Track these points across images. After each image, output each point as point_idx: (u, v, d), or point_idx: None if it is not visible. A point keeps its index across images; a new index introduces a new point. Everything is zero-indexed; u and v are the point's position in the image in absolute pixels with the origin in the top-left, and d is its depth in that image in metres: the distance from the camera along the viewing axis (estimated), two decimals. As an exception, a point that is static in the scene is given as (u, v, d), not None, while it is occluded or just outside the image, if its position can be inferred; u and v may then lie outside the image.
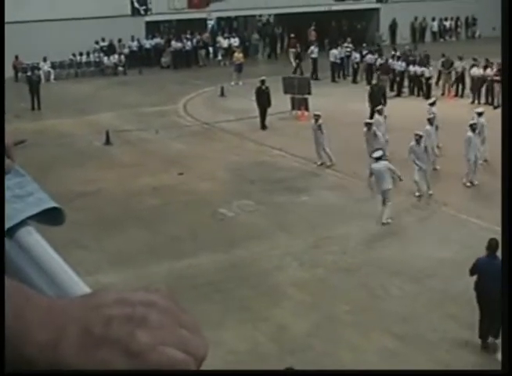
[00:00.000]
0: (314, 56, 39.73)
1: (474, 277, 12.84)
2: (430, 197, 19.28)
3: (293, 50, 44.98)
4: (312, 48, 40.61)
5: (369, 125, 21.64)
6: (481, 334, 12.73)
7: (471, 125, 21.01)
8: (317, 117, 22.15)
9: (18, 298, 0.90)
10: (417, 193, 19.49)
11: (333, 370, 11.23)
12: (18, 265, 1.02)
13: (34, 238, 1.05)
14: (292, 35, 47.08)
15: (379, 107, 23.97)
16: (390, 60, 35.66)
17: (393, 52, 36.85)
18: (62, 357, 0.86)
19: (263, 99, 28.15)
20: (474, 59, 32.61)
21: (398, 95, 33.46)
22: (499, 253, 12.39)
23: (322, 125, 21.83)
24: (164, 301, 0.91)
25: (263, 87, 28.54)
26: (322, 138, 21.84)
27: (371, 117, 27.30)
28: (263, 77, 29.17)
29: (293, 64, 42.18)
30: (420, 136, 19.65)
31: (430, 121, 21.83)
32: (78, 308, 0.89)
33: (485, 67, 31.98)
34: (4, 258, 1.01)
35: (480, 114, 22.41)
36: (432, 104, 24.24)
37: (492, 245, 12.66)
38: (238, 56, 39.22)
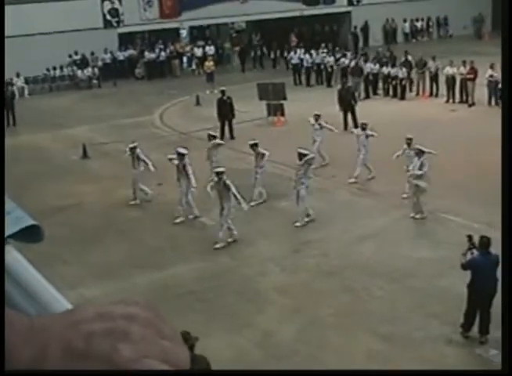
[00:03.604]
0: (294, 61, 39.81)
1: (463, 276, 12.93)
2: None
3: (236, 48, 45.97)
4: (292, 53, 40.74)
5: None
6: (465, 328, 12.93)
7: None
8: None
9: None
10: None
11: (333, 370, 11.25)
12: None
13: (13, 256, 1.05)
14: (234, 35, 48.11)
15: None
16: (361, 62, 35.83)
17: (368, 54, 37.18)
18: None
19: (225, 110, 27.65)
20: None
21: (367, 97, 33.48)
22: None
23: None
24: (145, 313, 0.92)
25: (224, 97, 28.02)
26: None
27: (344, 120, 27.44)
28: (223, 88, 28.94)
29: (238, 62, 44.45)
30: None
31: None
32: (59, 325, 0.89)
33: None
34: (4, 259, 1.02)
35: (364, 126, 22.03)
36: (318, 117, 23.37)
37: (484, 243, 12.74)
38: (208, 64, 39.22)
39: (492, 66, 30.41)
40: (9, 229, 1.05)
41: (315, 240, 17.54)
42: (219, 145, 21.95)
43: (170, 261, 16.78)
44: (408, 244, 16.85)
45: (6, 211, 1.07)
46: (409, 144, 19.42)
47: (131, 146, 20.99)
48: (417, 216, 18.38)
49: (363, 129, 21.27)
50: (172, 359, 0.89)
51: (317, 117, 23.20)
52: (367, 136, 21.02)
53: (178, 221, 19.01)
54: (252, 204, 19.41)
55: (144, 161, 20.43)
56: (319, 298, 14.62)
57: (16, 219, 1.07)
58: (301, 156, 18.42)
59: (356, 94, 30.39)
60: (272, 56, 45.81)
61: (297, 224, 18.25)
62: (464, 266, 12.89)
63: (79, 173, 23.00)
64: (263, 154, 20.01)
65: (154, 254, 17.06)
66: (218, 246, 17.32)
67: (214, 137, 22.15)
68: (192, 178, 19.06)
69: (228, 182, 17.21)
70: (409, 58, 35.30)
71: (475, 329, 12.93)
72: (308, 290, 15.00)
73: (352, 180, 20.99)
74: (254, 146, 20.26)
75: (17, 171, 22.82)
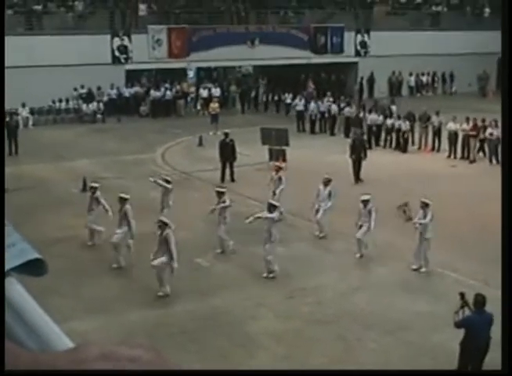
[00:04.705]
0: (299, 108, 40.08)
1: (457, 332, 12.89)
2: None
3: (238, 90, 46.98)
4: (297, 100, 41.02)
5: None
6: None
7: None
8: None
9: (7, 357, 0.90)
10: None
11: (333, 370, 11.15)
12: None
13: (16, 289, 1.05)
14: (231, 76, 49.48)
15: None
16: (363, 113, 36.12)
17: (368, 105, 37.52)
18: None
19: (227, 152, 27.78)
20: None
21: (370, 147, 33.20)
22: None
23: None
24: (148, 355, 0.92)
25: (227, 140, 28.15)
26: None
27: (353, 168, 27.36)
28: (226, 130, 29.04)
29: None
30: None
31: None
32: (63, 363, 0.89)
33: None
34: (4, 267, 1.02)
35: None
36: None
37: (479, 301, 12.70)
38: (213, 106, 39.51)
39: (491, 124, 30.72)
40: (13, 261, 1.05)
41: (309, 287, 17.48)
42: (169, 191, 21.92)
43: (163, 299, 16.71)
44: (403, 297, 16.79)
45: (11, 242, 1.07)
46: (365, 205, 19.41)
47: (94, 185, 20.81)
48: (422, 270, 18.37)
49: (326, 185, 21.28)
50: None
51: (278, 168, 23.55)
52: (330, 193, 21.14)
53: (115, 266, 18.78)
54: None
55: (103, 205, 20.18)
56: (312, 346, 14.53)
57: (20, 252, 1.07)
58: (271, 207, 18.40)
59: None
60: (264, 98, 47.32)
61: (264, 275, 18.15)
62: (458, 325, 12.85)
63: (78, 206, 22.89)
64: (225, 204, 19.82)
65: (148, 292, 16.98)
66: (160, 294, 16.94)
67: (169, 182, 22.14)
68: (132, 225, 18.79)
69: (169, 235, 16.74)
70: (393, 108, 36.15)
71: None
72: (300, 337, 14.91)
73: (321, 235, 21.14)
74: (220, 193, 20.06)
75: (17, 201, 22.85)
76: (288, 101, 43.51)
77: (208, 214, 20.19)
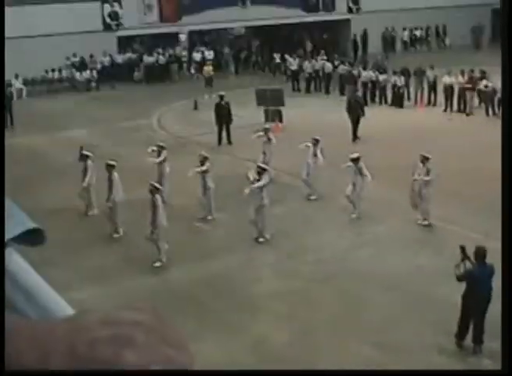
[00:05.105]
0: (293, 68, 40.01)
1: (458, 285, 12.92)
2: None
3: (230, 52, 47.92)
4: (291, 60, 40.87)
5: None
6: (459, 337, 12.94)
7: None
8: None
9: (6, 324, 0.90)
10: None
11: (333, 370, 11.23)
12: None
13: (14, 259, 1.05)
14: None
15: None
16: (357, 70, 36.16)
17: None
18: None
19: (222, 114, 27.65)
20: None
21: (365, 104, 33.09)
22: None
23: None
24: (149, 319, 0.91)
25: (222, 102, 27.98)
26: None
27: (352, 126, 27.27)
28: (221, 92, 28.79)
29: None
30: None
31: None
32: (63, 330, 0.89)
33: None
34: (4, 260, 1.02)
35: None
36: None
37: (479, 254, 12.69)
38: (207, 69, 39.43)
39: (485, 76, 30.80)
40: (12, 231, 1.05)
41: (310, 246, 17.51)
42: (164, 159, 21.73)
43: (164, 264, 16.75)
44: (404, 252, 16.83)
45: (11, 213, 1.07)
46: (355, 163, 19.24)
47: (86, 153, 20.74)
48: (424, 223, 18.46)
49: (314, 145, 21.17)
50: (176, 365, 0.89)
51: (266, 130, 23.40)
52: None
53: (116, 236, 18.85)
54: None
55: (85, 175, 20.24)
56: (313, 304, 14.58)
57: (19, 222, 1.07)
58: (260, 170, 18.14)
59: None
60: (255, 58, 47.72)
61: (261, 239, 18.02)
62: (460, 278, 12.87)
63: (75, 176, 22.87)
64: (202, 168, 19.57)
65: (148, 258, 16.97)
66: (157, 264, 16.90)
67: (163, 148, 21.88)
68: (115, 191, 18.81)
69: (157, 199, 16.77)
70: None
71: (469, 339, 12.92)
72: (302, 296, 14.95)
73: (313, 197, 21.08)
74: (205, 159, 19.73)
75: (13, 173, 22.75)
76: (278, 61, 43.53)
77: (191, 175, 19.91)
